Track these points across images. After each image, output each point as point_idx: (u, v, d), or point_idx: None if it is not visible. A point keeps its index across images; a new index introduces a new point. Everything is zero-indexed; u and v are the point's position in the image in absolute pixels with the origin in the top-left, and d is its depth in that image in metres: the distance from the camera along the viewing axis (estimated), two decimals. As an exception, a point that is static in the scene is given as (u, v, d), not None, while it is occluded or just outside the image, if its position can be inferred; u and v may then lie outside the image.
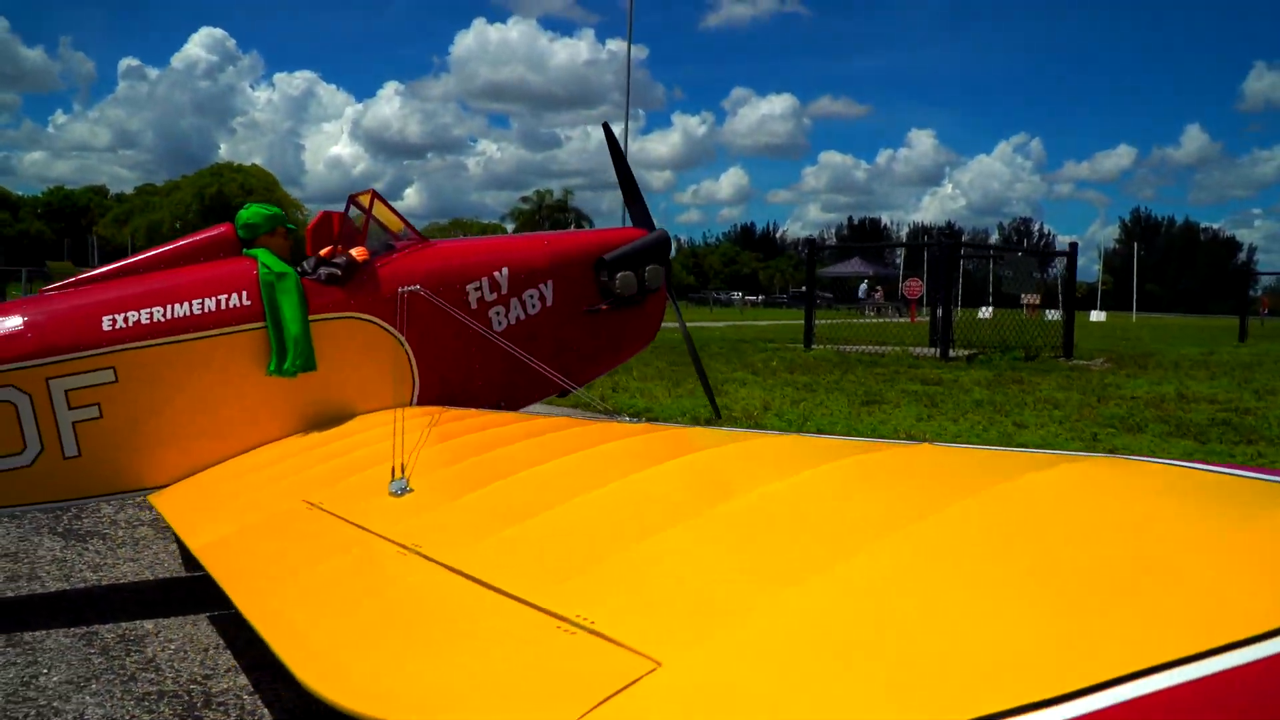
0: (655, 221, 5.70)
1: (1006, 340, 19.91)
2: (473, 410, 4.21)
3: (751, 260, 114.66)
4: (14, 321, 3.98)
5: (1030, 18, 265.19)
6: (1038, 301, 24.45)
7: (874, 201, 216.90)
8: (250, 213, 4.59)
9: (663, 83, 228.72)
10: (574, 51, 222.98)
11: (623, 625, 1.74)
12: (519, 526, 2.39)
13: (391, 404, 4.41)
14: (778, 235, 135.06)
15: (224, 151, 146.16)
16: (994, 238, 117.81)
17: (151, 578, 4.72)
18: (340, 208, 4.88)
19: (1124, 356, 20.71)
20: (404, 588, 2.27)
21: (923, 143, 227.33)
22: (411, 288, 4.54)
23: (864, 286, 54.79)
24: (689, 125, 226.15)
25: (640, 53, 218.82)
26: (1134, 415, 10.53)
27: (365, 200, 4.77)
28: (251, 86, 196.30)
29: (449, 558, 2.28)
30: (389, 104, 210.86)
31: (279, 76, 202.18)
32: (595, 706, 1.49)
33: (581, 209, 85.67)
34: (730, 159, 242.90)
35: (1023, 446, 8.14)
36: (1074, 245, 22.14)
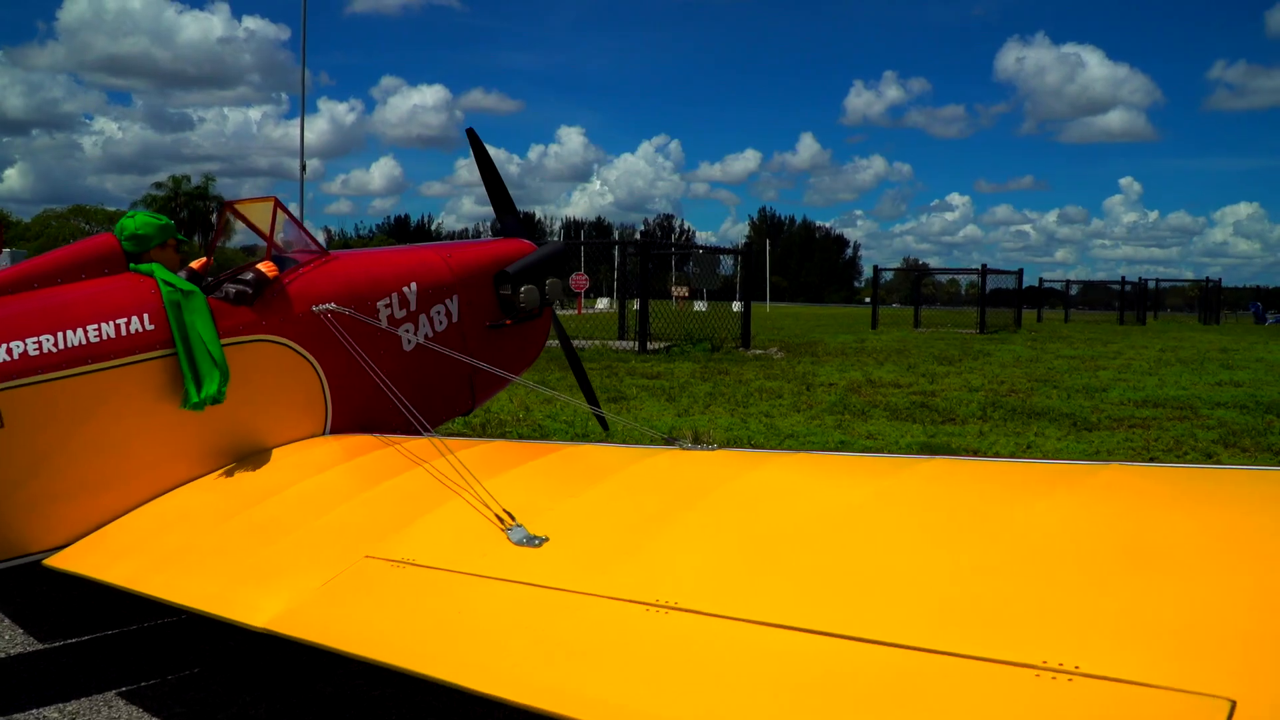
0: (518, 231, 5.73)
1: (691, 332, 21.27)
2: (476, 440, 3.87)
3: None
4: None
5: (664, 26, 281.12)
6: (686, 294, 26.32)
7: (528, 196, 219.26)
8: (138, 222, 4.01)
9: (308, 67, 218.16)
10: (206, 26, 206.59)
11: (1128, 665, 1.63)
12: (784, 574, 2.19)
13: (306, 434, 4.11)
14: (433, 227, 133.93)
15: None
16: (638, 232, 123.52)
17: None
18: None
19: (793, 345, 22.81)
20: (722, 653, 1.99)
21: (572, 140, 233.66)
22: (326, 306, 4.19)
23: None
24: (337, 112, 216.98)
25: (282, 33, 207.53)
26: (849, 401, 11.81)
27: (258, 209, 4.37)
28: None
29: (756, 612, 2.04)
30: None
31: None
32: None
33: (223, 197, 79.91)
34: (382, 149, 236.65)
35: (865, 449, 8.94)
36: (749, 244, 23.99)
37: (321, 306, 4.18)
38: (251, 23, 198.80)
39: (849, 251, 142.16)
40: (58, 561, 3.39)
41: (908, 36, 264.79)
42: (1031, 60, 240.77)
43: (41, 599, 4.57)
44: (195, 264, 4.40)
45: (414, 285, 4.64)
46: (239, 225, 4.59)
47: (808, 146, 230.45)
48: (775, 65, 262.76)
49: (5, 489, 3.33)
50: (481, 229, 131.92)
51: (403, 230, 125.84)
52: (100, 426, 3.52)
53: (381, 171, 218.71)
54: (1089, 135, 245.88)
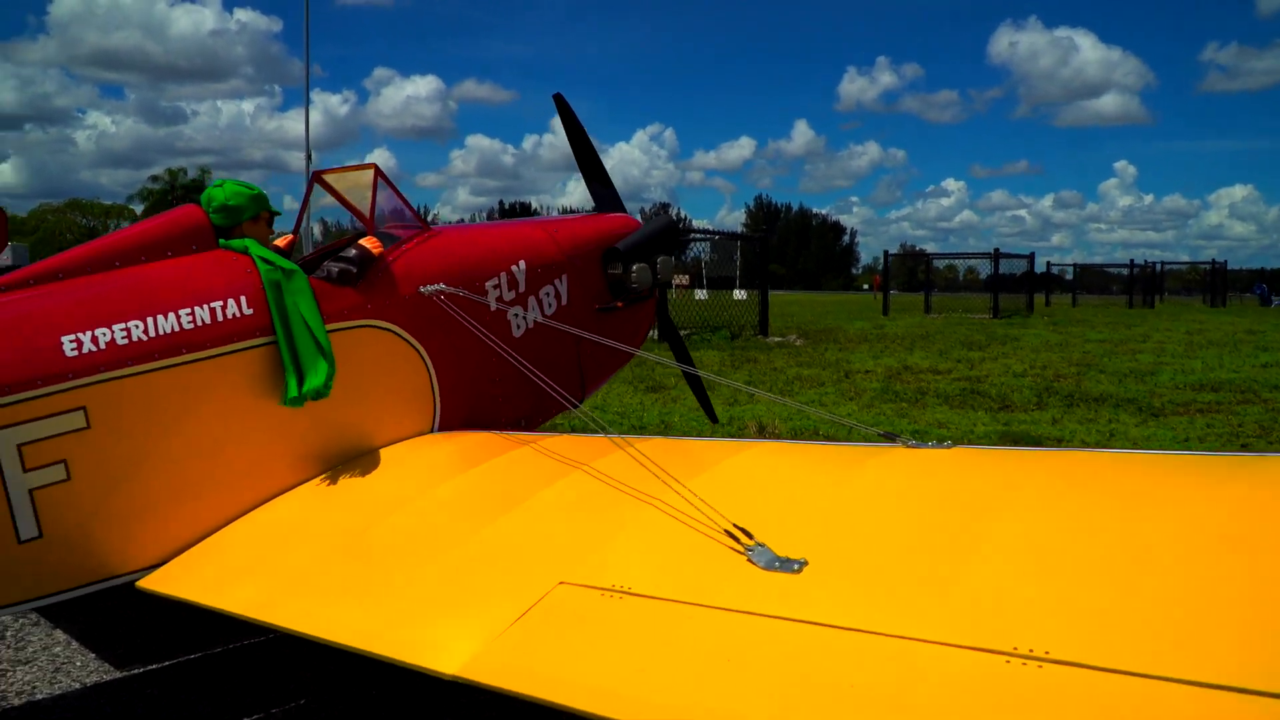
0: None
1: (710, 320, 20.85)
2: (621, 436, 3.21)
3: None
4: None
5: (657, 15, 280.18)
6: (687, 282, 25.86)
7: (522, 186, 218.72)
8: (228, 191, 3.48)
9: (299, 58, 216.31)
10: (198, 19, 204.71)
11: None
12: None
13: (413, 431, 3.65)
14: (430, 218, 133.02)
15: None
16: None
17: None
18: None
19: (811, 332, 22.40)
20: None
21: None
22: (435, 287, 3.72)
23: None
24: (330, 104, 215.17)
25: (274, 25, 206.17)
26: (896, 389, 11.41)
27: (351, 179, 3.92)
28: None
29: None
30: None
31: None
32: None
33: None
34: (376, 140, 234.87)
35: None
36: (765, 232, 23.56)
37: (430, 287, 3.71)
38: (243, 15, 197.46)
39: (846, 238, 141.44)
40: (156, 584, 2.93)
41: (900, 22, 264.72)
42: (1025, 44, 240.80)
43: (107, 615, 4.16)
44: (280, 241, 3.95)
45: (522, 264, 4.17)
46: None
47: (802, 133, 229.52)
48: (769, 52, 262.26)
49: (93, 500, 2.87)
50: (478, 219, 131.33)
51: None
52: (195, 426, 3.07)
53: (376, 162, 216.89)
54: (1083, 119, 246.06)
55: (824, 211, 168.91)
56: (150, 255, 3.23)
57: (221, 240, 3.40)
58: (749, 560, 2.14)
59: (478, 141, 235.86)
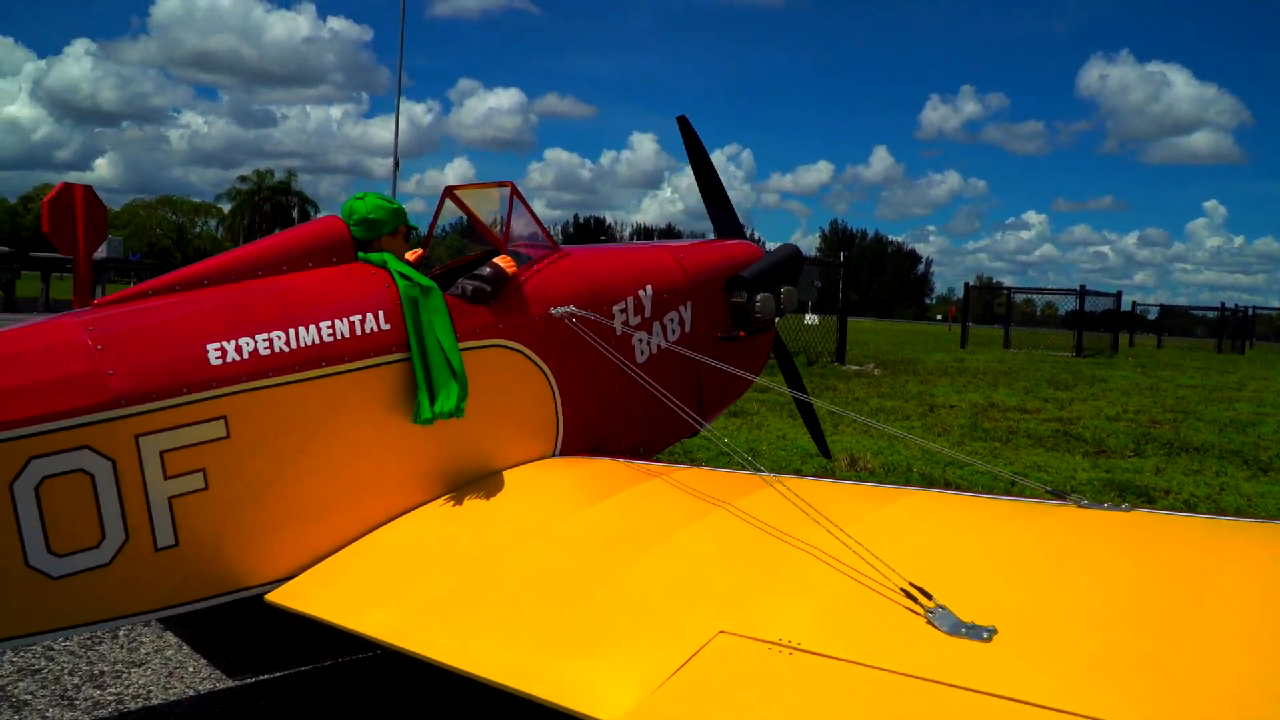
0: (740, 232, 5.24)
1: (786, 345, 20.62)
2: (755, 474, 3.06)
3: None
4: (83, 350, 2.69)
5: (739, 34, 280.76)
6: None
7: (598, 201, 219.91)
8: (369, 205, 3.45)
9: (388, 67, 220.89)
10: (293, 26, 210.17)
11: None
12: None
13: (536, 455, 3.61)
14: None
15: None
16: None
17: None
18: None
19: (889, 362, 22.06)
20: None
21: (644, 146, 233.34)
22: (565, 309, 3.68)
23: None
24: (415, 113, 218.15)
25: (365, 34, 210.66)
26: (984, 426, 11.15)
27: (483, 196, 3.91)
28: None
29: None
30: (78, 64, 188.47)
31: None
32: None
33: (304, 192, 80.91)
34: (456, 150, 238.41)
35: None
36: (846, 257, 23.34)
37: (561, 309, 3.67)
38: (336, 23, 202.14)
39: (920, 267, 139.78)
40: (285, 599, 2.91)
41: (987, 51, 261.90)
42: (1115, 78, 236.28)
43: (217, 619, 4.19)
44: (410, 255, 3.96)
45: (649, 288, 4.12)
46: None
47: (881, 159, 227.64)
48: (850, 77, 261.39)
49: (228, 511, 2.86)
50: (554, 232, 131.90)
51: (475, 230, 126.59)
52: (328, 441, 3.05)
53: (456, 172, 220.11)
54: (1173, 156, 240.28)
55: (900, 239, 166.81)
56: (292, 265, 3.23)
57: (360, 253, 3.38)
58: (930, 623, 2.02)
59: (556, 155, 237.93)
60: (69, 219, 19.82)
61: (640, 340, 4.06)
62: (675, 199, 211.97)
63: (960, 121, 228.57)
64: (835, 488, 3.09)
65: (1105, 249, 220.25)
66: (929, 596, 2.09)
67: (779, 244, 5.27)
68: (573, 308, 3.71)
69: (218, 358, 2.84)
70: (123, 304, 2.95)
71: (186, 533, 2.77)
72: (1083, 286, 31.71)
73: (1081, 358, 28.41)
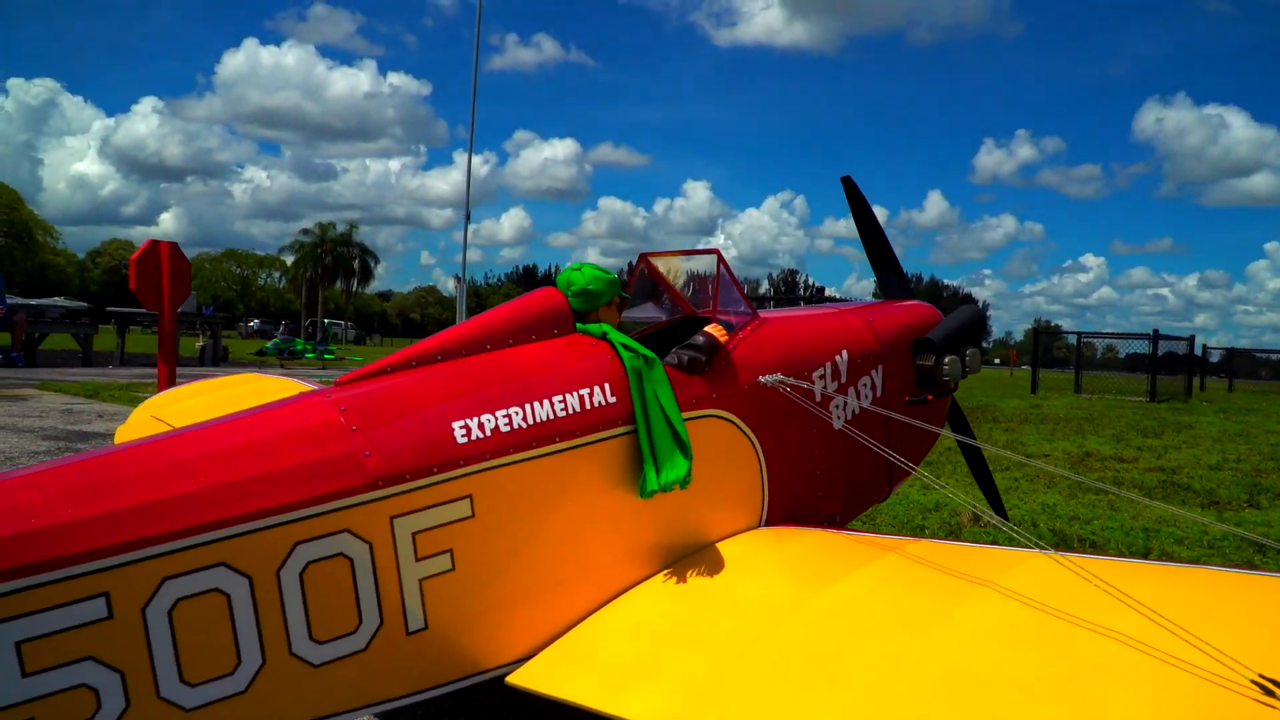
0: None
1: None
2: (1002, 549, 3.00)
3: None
4: (339, 431, 2.68)
5: (791, 82, 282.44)
6: None
7: (651, 248, 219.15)
8: (588, 276, 3.44)
9: (445, 120, 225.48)
10: (354, 82, 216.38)
11: None
12: None
13: (742, 526, 3.54)
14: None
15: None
16: (764, 287, 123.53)
17: None
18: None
19: (964, 408, 21.77)
20: None
21: (698, 194, 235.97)
22: (774, 378, 3.64)
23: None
24: (472, 164, 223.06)
25: (424, 89, 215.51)
26: (1094, 477, 10.98)
27: (687, 264, 3.97)
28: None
29: None
30: (145, 121, 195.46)
31: (14, 83, 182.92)
32: None
33: (364, 244, 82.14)
34: (512, 200, 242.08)
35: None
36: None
37: (770, 378, 3.64)
38: (396, 79, 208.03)
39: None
40: (531, 681, 2.83)
41: (1042, 95, 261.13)
42: (1171, 121, 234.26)
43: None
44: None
45: (845, 354, 4.10)
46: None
47: (935, 204, 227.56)
48: (903, 122, 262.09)
49: (471, 593, 2.83)
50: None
51: (530, 279, 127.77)
52: (561, 516, 3.03)
53: (511, 222, 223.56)
54: (1232, 199, 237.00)
55: (955, 283, 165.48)
56: (517, 338, 3.25)
57: (579, 324, 3.40)
58: None
59: (610, 203, 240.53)
60: (155, 275, 20.33)
61: (837, 406, 4.02)
62: (729, 245, 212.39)
63: (1015, 165, 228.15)
64: (1110, 563, 2.82)
65: (1165, 291, 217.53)
66: None
67: (961, 305, 5.21)
68: (779, 376, 3.69)
69: (463, 436, 2.83)
70: (365, 381, 2.98)
71: (435, 615, 2.75)
72: (1156, 331, 31.22)
73: (1157, 402, 27.90)
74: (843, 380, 4.07)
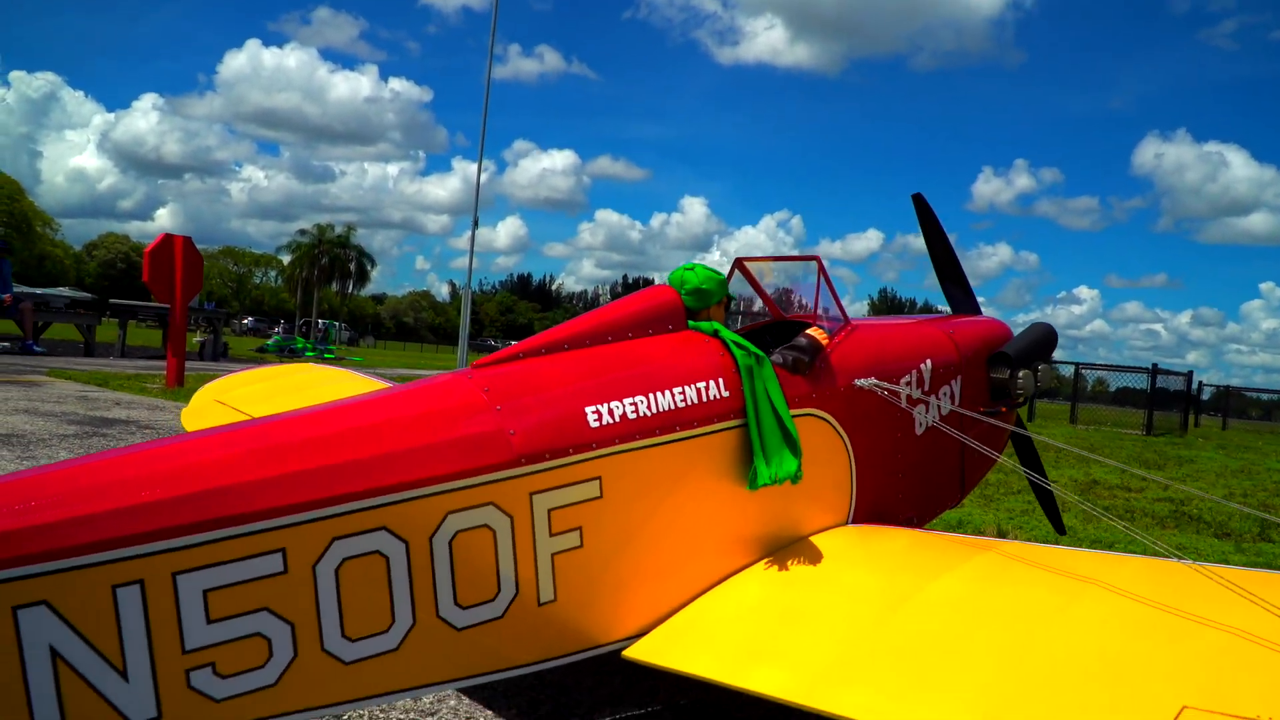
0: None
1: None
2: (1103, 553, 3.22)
3: (529, 310, 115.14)
4: (486, 410, 2.87)
5: (792, 102, 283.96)
6: None
7: (647, 262, 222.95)
8: (700, 276, 3.65)
9: (445, 127, 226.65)
10: (355, 86, 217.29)
11: None
12: None
13: (832, 522, 3.73)
14: (554, 287, 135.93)
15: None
16: (758, 305, 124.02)
17: None
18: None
19: (967, 435, 21.94)
20: None
21: (695, 210, 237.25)
22: (869, 381, 3.86)
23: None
24: (469, 171, 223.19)
25: (425, 95, 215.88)
26: (1105, 505, 11.13)
27: (783, 269, 4.17)
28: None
29: None
30: (145, 118, 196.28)
31: (16, 75, 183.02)
32: None
33: (361, 246, 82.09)
34: (509, 208, 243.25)
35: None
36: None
37: (865, 381, 3.86)
38: (397, 84, 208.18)
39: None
40: (648, 655, 3.00)
41: (1042, 126, 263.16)
42: (1171, 156, 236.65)
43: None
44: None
45: (929, 363, 4.32)
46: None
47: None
48: (902, 147, 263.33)
49: (597, 569, 3.01)
50: (601, 292, 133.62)
51: (524, 288, 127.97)
52: (678, 502, 3.23)
53: (507, 230, 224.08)
54: (1229, 236, 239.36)
55: (949, 309, 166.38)
56: (636, 332, 3.45)
57: (690, 322, 3.58)
58: None
59: (607, 216, 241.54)
60: (168, 269, 20.30)
61: (920, 412, 4.21)
62: (724, 262, 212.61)
63: (1013, 195, 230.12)
64: (1218, 569, 2.87)
65: (1158, 327, 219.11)
66: None
67: (1034, 321, 5.38)
68: (873, 379, 3.89)
69: (595, 420, 3.03)
70: (503, 365, 3.14)
71: (564, 589, 2.93)
72: (1155, 365, 31.51)
73: (1153, 436, 28.12)
74: (926, 388, 4.26)
